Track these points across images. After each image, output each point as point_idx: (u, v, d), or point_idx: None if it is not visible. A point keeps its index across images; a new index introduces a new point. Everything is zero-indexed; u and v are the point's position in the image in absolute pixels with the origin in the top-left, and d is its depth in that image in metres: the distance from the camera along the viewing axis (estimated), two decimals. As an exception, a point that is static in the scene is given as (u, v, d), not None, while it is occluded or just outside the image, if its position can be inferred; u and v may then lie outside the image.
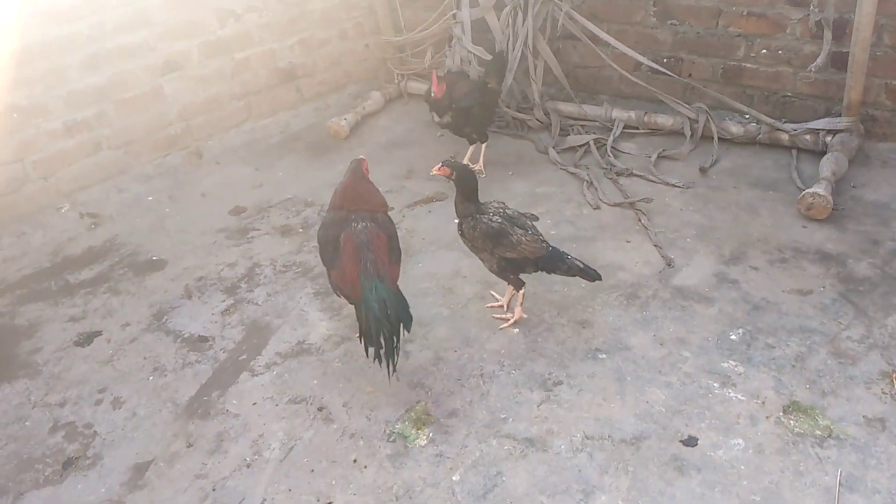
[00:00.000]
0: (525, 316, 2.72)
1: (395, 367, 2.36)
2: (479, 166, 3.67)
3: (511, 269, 2.58)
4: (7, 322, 3.03)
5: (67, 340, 2.90)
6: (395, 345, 2.34)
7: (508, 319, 2.70)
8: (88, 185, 3.67)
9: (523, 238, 2.51)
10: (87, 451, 2.42)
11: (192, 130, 4.04)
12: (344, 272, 2.44)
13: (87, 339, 2.89)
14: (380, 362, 2.35)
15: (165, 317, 2.97)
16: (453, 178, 2.55)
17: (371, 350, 2.36)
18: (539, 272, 2.62)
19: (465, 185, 2.56)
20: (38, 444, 2.46)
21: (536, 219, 2.69)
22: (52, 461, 2.40)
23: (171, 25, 3.80)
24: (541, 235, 2.58)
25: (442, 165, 2.56)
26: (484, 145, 3.67)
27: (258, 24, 4.12)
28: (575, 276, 2.59)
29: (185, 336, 2.86)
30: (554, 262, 2.57)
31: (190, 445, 2.39)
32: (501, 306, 2.78)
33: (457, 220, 2.64)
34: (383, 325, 2.31)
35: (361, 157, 2.67)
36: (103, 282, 3.20)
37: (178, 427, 2.47)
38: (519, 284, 2.64)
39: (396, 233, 2.57)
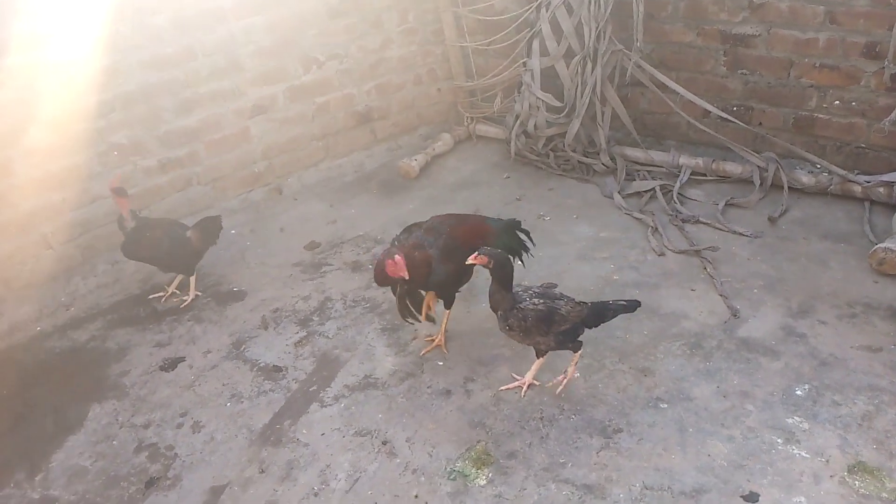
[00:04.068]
0: (577, 375, 2.73)
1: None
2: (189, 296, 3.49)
3: (569, 339, 2.59)
4: (99, 345, 3.27)
5: (153, 365, 3.10)
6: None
7: (561, 383, 2.70)
8: (179, 217, 3.91)
9: (569, 307, 2.52)
10: (167, 472, 2.58)
11: (274, 168, 4.29)
12: (473, 230, 2.88)
13: (171, 365, 3.09)
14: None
15: (244, 346, 3.14)
16: (490, 265, 2.48)
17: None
18: (591, 328, 2.63)
19: (503, 273, 2.50)
20: (124, 463, 2.64)
21: (555, 285, 2.70)
22: (136, 480, 2.57)
23: (260, 72, 4.06)
24: (573, 299, 2.57)
25: (478, 254, 2.49)
26: (192, 277, 3.48)
27: (338, 70, 4.35)
28: (620, 314, 2.60)
29: (261, 365, 3.02)
30: (600, 313, 2.59)
31: (262, 472, 2.53)
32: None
33: (500, 313, 2.55)
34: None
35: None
36: (188, 310, 3.42)
37: (252, 453, 2.61)
38: (578, 347, 2.63)
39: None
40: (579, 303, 2.55)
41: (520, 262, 2.95)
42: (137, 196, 3.82)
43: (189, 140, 3.93)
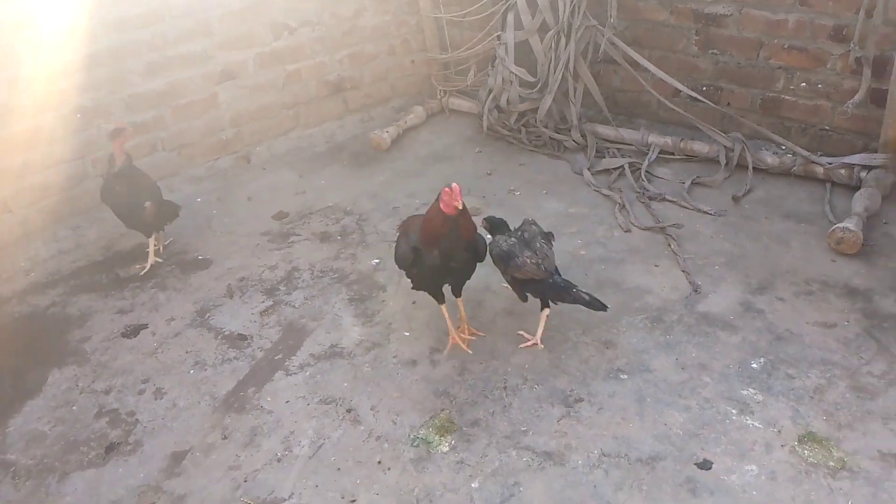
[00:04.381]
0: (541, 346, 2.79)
1: None
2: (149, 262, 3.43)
3: (521, 288, 2.72)
4: (60, 311, 3.22)
5: (115, 331, 3.07)
6: None
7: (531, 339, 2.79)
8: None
9: (527, 261, 2.62)
10: (128, 438, 2.57)
11: (242, 136, 4.22)
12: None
13: (133, 332, 3.06)
14: None
15: (208, 314, 3.12)
16: (487, 228, 2.85)
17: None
18: (549, 299, 2.72)
19: (498, 230, 2.81)
20: (84, 428, 2.63)
21: (553, 238, 2.79)
22: (96, 445, 2.56)
23: (230, 37, 3.99)
24: (542, 260, 2.63)
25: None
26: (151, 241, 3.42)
27: (311, 37, 4.29)
28: (579, 304, 2.66)
29: (226, 333, 3.00)
30: (558, 291, 2.66)
31: (225, 438, 2.53)
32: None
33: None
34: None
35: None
36: (151, 277, 3.38)
37: (215, 420, 2.61)
38: (523, 299, 2.75)
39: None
40: (539, 265, 2.61)
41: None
42: (101, 160, 3.74)
43: (155, 104, 3.85)
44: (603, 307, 2.67)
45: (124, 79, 3.71)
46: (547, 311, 2.74)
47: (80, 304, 3.24)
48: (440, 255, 2.56)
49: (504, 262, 2.69)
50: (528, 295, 2.74)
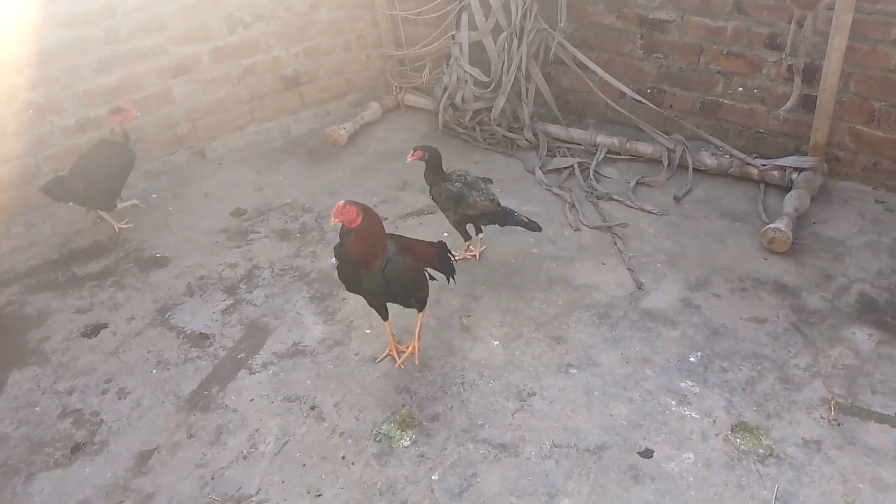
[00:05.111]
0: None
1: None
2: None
3: (468, 222, 3.24)
4: (17, 310, 3.21)
5: (75, 331, 3.09)
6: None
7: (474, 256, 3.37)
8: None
9: (479, 199, 3.13)
10: (94, 438, 2.62)
11: (198, 131, 4.23)
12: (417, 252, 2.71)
13: (93, 331, 3.08)
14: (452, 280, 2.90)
15: (168, 313, 3.16)
16: (425, 158, 3.15)
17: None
18: (493, 225, 3.25)
19: (434, 162, 3.17)
20: (48, 429, 2.66)
21: (491, 181, 3.33)
22: (62, 445, 2.59)
23: (184, 31, 3.98)
24: (492, 195, 3.18)
25: (414, 152, 3.14)
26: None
27: (265, 32, 4.30)
28: (520, 226, 3.20)
29: (188, 332, 3.06)
30: (504, 217, 3.20)
31: (191, 436, 2.60)
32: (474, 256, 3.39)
33: (430, 188, 3.21)
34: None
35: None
36: (109, 275, 3.39)
37: (180, 418, 2.67)
38: (467, 237, 3.29)
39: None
40: (491, 199, 3.16)
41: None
42: (55, 156, 3.72)
43: (109, 99, 3.81)
44: (538, 228, 3.20)
45: (77, 74, 3.68)
46: (482, 234, 3.33)
47: (38, 304, 3.24)
48: (339, 264, 2.60)
49: (455, 202, 3.12)
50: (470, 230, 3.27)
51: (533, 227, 3.21)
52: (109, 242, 3.59)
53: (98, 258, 3.49)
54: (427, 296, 2.77)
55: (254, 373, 2.85)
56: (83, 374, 2.88)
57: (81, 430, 2.65)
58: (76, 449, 2.58)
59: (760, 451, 2.45)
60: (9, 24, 3.37)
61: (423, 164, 3.19)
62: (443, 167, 3.21)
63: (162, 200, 3.92)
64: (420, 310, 2.78)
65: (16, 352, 2.98)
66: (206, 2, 4.01)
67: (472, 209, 3.15)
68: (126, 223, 3.68)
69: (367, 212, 2.48)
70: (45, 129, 3.63)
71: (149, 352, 2.97)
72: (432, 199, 3.26)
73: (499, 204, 3.20)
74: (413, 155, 3.16)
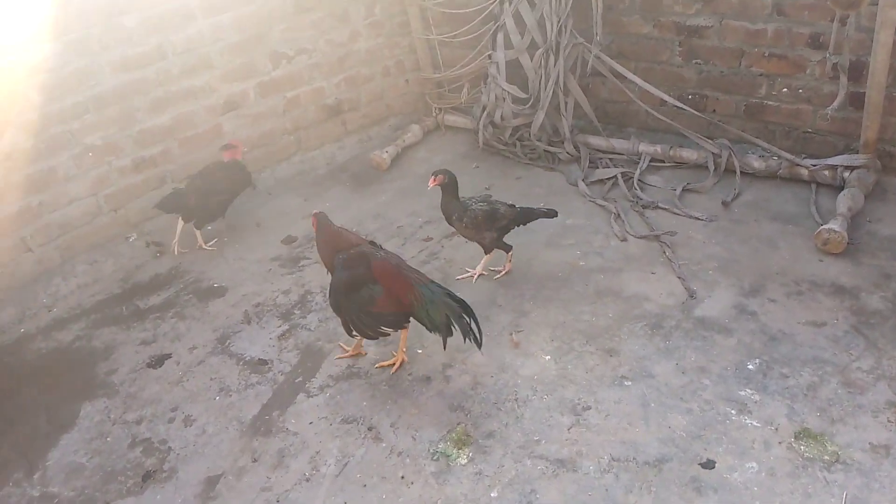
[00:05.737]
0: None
1: (481, 336, 2.76)
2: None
3: (504, 235, 3.33)
4: (84, 345, 3.36)
5: (140, 362, 3.21)
6: (475, 319, 2.74)
7: (473, 275, 3.41)
8: (154, 216, 4.00)
9: (503, 209, 3.26)
10: (163, 465, 2.71)
11: (247, 163, 4.35)
12: (392, 291, 2.77)
13: (158, 361, 3.20)
14: (473, 339, 2.73)
15: (228, 341, 3.26)
16: (446, 181, 3.20)
17: (449, 338, 2.77)
18: (520, 227, 3.36)
19: (452, 187, 3.23)
20: (120, 458, 2.76)
21: (490, 195, 3.45)
22: (133, 474, 2.69)
23: (230, 69, 4.13)
24: (508, 203, 3.32)
25: (435, 177, 3.18)
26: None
27: (308, 64, 4.43)
28: (542, 217, 3.34)
29: (247, 359, 3.14)
30: (526, 215, 3.33)
31: (255, 461, 2.67)
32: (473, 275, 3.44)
33: (454, 216, 3.25)
34: (463, 307, 2.73)
35: (315, 211, 3.00)
36: (170, 307, 3.52)
37: (244, 443, 2.75)
38: (508, 248, 3.36)
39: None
40: (511, 206, 3.29)
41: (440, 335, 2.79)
42: (112, 196, 3.89)
43: (162, 138, 3.99)
44: (555, 213, 3.38)
45: (132, 116, 3.85)
46: (511, 251, 3.39)
47: (104, 337, 3.38)
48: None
49: (491, 220, 3.23)
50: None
51: (551, 213, 3.37)
52: (169, 275, 3.73)
53: (159, 291, 3.62)
54: (368, 318, 2.82)
55: (311, 396, 2.91)
56: (150, 403, 2.99)
57: (151, 458, 2.75)
58: (147, 477, 2.67)
59: (826, 457, 2.39)
60: (67, 72, 3.56)
61: (466, 183, 3.25)
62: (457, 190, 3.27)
63: (217, 232, 4.05)
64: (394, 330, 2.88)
65: (86, 385, 3.11)
66: (250, 40, 4.16)
67: (504, 219, 3.27)
68: (211, 245, 3.92)
69: (319, 223, 2.92)
70: (104, 169, 3.81)
71: (211, 379, 3.07)
72: (464, 225, 3.25)
73: (516, 207, 3.33)
74: (434, 180, 3.18)
